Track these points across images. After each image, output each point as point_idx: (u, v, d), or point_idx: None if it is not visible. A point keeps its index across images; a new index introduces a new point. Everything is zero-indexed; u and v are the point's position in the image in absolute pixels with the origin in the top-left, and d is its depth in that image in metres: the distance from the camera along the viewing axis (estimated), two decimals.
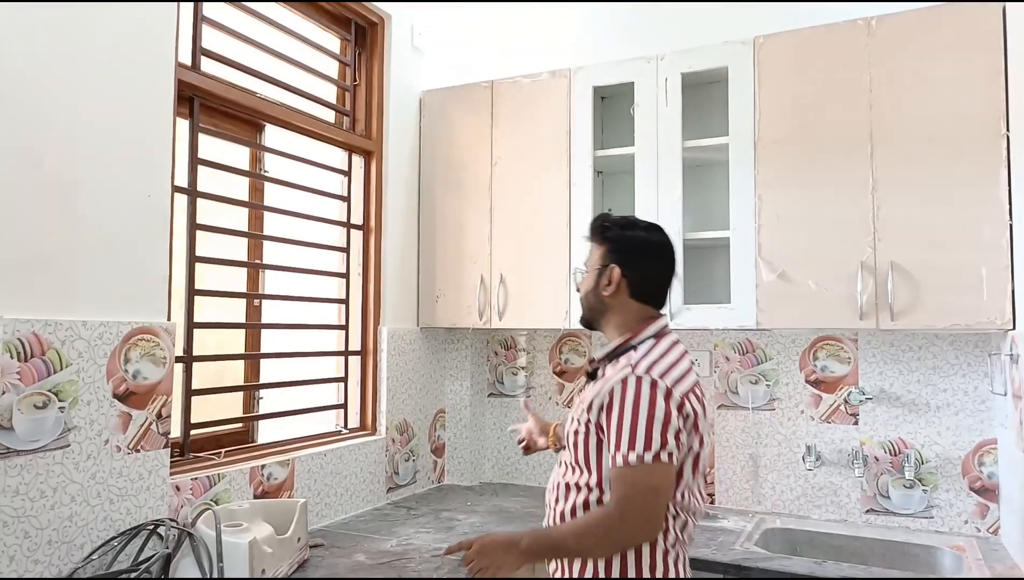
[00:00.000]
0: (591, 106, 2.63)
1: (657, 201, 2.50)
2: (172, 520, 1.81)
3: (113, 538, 1.73)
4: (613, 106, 2.81)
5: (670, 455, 1.42)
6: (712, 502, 2.69)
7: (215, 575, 1.64)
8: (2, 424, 1.53)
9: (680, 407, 1.45)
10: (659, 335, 1.57)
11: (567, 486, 1.53)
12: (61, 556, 1.63)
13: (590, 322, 1.68)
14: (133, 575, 1.63)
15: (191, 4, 2.08)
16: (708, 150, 2.50)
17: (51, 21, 1.65)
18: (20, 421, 1.56)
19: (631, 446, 1.40)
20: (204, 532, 1.71)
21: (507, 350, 3.12)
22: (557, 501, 1.56)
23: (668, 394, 1.43)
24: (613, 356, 1.57)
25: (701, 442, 1.51)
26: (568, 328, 2.64)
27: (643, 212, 2.51)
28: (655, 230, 1.65)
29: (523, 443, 1.98)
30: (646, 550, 1.46)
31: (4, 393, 1.53)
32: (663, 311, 1.65)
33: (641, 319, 1.59)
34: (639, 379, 1.44)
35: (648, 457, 1.39)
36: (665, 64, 2.51)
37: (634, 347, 1.54)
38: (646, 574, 1.45)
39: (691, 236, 2.48)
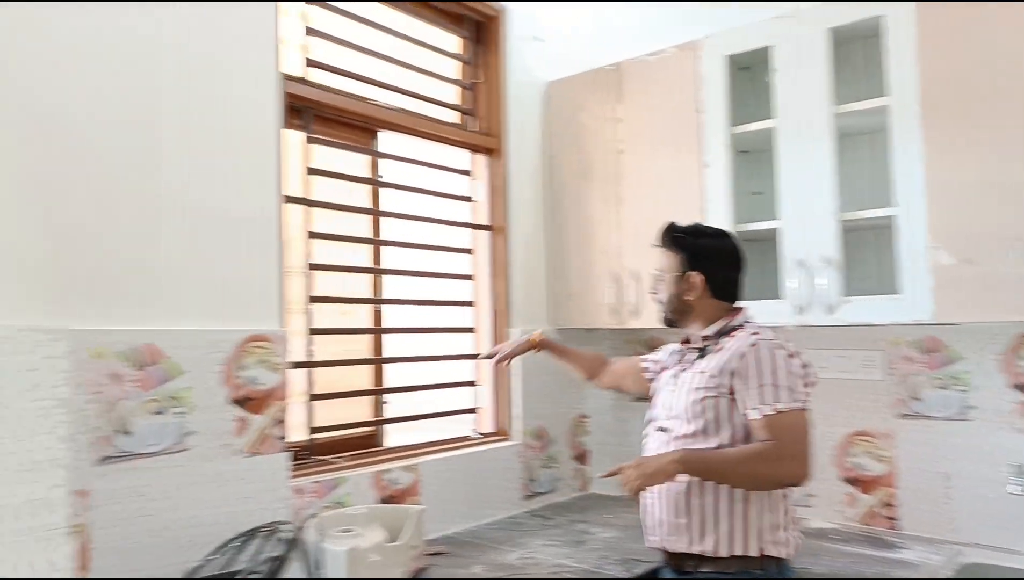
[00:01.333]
0: (724, 78, 2.35)
1: (804, 178, 2.18)
2: (285, 523, 1.85)
3: (232, 539, 1.79)
4: (755, 77, 2.51)
5: (808, 403, 1.60)
6: (891, 527, 2.30)
7: None
8: (124, 429, 1.64)
9: (806, 365, 1.63)
10: (749, 322, 1.74)
11: None
12: (183, 555, 1.72)
13: (673, 322, 1.81)
14: (247, 577, 1.67)
15: (300, 19, 2.13)
16: (862, 116, 2.13)
17: (158, 41, 1.75)
18: (139, 426, 1.66)
19: (777, 398, 1.56)
20: (310, 538, 1.72)
21: (651, 350, 2.90)
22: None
23: (795, 354, 1.63)
24: (719, 336, 1.71)
25: None
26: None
27: (788, 192, 2.21)
28: (723, 236, 1.82)
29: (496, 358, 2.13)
30: (781, 505, 1.63)
31: (122, 400, 1.64)
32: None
33: (726, 311, 1.75)
34: (769, 342, 1.62)
35: (795, 405, 1.56)
36: (806, 21, 2.18)
37: (736, 327, 1.71)
38: (783, 521, 1.63)
39: (849, 217, 2.13)
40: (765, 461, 1.55)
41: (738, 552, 1.59)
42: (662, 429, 1.74)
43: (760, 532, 1.60)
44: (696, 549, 1.62)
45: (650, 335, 2.89)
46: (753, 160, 2.54)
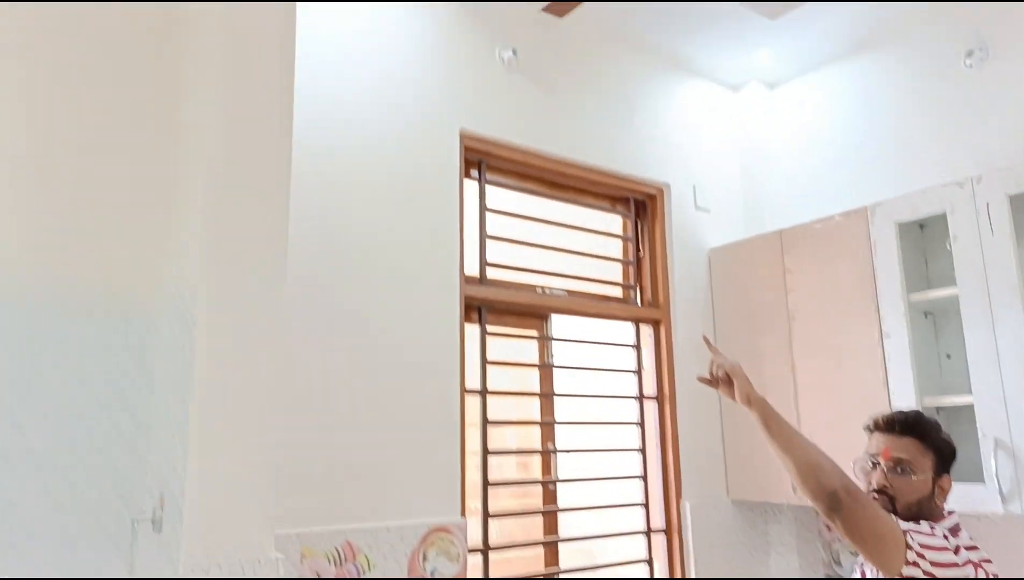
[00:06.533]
0: (896, 245, 2.29)
1: (996, 348, 2.03)
2: None
3: None
4: (935, 237, 2.41)
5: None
6: None
7: None
8: None
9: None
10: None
11: None
12: None
13: None
14: None
15: (476, 227, 2.38)
16: None
17: (362, 264, 2.05)
18: None
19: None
20: None
21: None
22: None
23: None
24: None
25: None
26: None
27: (978, 362, 2.06)
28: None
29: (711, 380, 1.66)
30: None
31: None
32: None
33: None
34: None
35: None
36: (983, 188, 2.10)
37: None
38: None
39: None
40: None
41: None
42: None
43: None
44: None
45: None
46: (940, 321, 2.41)
